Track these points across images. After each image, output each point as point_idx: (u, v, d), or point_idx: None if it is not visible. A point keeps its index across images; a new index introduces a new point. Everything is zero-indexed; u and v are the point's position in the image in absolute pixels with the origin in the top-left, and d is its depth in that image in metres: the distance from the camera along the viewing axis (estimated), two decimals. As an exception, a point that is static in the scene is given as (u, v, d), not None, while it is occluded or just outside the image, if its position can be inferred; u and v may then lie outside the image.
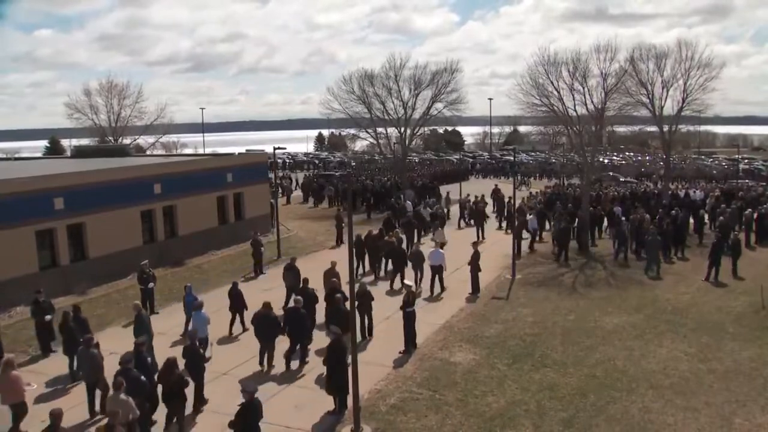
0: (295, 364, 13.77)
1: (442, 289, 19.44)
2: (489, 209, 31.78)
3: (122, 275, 21.08)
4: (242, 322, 15.94)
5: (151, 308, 17.45)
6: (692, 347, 14.68)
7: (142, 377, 10.70)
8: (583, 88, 25.87)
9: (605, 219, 27.43)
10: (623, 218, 25.56)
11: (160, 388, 11.02)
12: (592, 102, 26.11)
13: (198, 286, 20.45)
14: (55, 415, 8.90)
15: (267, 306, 13.75)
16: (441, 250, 20.09)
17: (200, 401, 11.93)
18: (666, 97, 32.18)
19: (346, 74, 38.88)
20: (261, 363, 13.83)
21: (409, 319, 14.73)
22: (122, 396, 9.89)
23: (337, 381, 11.52)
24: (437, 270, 19.30)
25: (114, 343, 14.29)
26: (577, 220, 26.44)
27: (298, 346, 13.84)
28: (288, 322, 13.85)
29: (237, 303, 15.95)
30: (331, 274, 16.75)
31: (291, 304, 15.61)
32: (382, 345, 14.97)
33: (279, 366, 13.72)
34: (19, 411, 11.01)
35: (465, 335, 15.73)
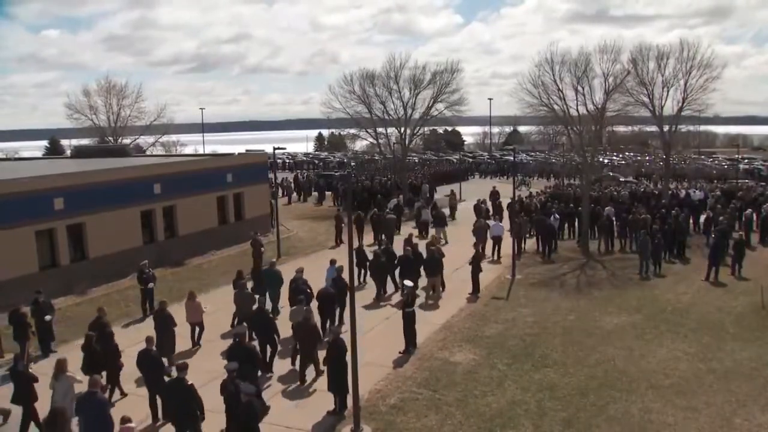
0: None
1: (499, 257, 23.51)
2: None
3: (122, 275, 21.08)
4: (364, 274, 20.12)
5: (151, 308, 17.42)
6: (692, 347, 14.69)
7: (309, 289, 15.46)
8: (583, 88, 25.90)
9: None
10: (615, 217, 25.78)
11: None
12: (592, 102, 26.14)
13: (198, 286, 20.45)
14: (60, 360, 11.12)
15: (377, 255, 19.03)
16: (501, 224, 24.56)
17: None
18: (666, 97, 32.21)
19: (348, 74, 38.83)
20: (377, 297, 18.66)
21: (409, 320, 14.74)
22: (305, 306, 13.91)
23: (337, 381, 11.54)
24: (497, 240, 23.57)
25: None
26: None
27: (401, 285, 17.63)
28: (400, 265, 18.73)
29: (362, 259, 19.91)
30: (410, 239, 21.66)
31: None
32: (382, 345, 14.97)
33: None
34: (200, 327, 15.22)
35: (465, 335, 15.74)
